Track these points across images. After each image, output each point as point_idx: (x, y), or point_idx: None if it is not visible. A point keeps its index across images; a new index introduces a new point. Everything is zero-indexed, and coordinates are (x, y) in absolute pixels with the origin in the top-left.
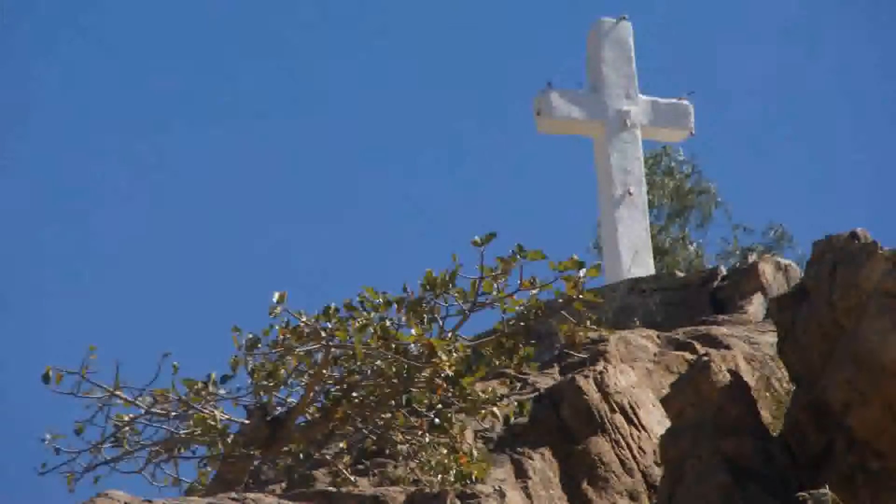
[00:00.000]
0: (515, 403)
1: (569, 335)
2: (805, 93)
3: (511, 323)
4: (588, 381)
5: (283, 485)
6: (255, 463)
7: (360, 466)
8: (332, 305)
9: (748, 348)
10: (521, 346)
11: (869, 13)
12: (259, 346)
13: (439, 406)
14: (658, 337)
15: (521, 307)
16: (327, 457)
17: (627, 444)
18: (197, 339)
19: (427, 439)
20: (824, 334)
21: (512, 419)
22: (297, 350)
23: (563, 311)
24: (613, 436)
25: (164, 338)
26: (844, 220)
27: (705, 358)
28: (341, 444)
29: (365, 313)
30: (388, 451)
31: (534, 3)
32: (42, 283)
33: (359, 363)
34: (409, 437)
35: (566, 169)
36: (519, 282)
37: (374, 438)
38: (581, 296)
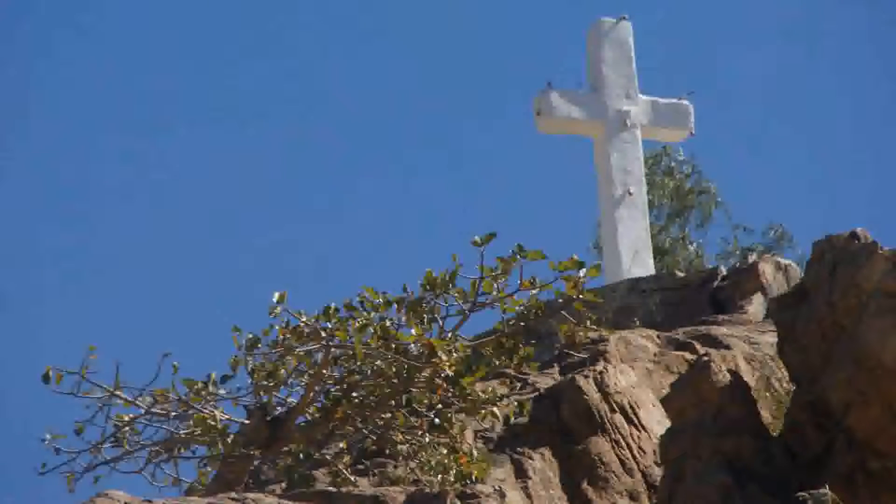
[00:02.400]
0: (515, 403)
1: (569, 335)
2: (805, 93)
3: (511, 323)
4: (588, 381)
5: (283, 485)
6: (255, 463)
7: (360, 466)
8: (332, 305)
9: (748, 348)
10: (521, 346)
11: (869, 13)
12: (259, 346)
13: (439, 406)
14: (658, 337)
15: (521, 307)
16: (327, 457)
17: (627, 444)
18: (197, 339)
19: (427, 439)
20: (824, 334)
21: (512, 419)
22: (297, 350)
23: (563, 311)
24: (613, 436)
25: (164, 338)
26: (844, 220)
27: (705, 358)
28: (341, 444)
29: (365, 313)
30: (388, 451)
31: (534, 3)
32: (42, 283)
33: (359, 363)
34: (409, 437)
35: (566, 169)
36: (519, 282)
37: (374, 438)
38: (581, 296)
